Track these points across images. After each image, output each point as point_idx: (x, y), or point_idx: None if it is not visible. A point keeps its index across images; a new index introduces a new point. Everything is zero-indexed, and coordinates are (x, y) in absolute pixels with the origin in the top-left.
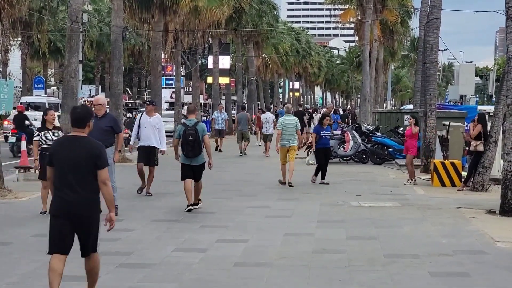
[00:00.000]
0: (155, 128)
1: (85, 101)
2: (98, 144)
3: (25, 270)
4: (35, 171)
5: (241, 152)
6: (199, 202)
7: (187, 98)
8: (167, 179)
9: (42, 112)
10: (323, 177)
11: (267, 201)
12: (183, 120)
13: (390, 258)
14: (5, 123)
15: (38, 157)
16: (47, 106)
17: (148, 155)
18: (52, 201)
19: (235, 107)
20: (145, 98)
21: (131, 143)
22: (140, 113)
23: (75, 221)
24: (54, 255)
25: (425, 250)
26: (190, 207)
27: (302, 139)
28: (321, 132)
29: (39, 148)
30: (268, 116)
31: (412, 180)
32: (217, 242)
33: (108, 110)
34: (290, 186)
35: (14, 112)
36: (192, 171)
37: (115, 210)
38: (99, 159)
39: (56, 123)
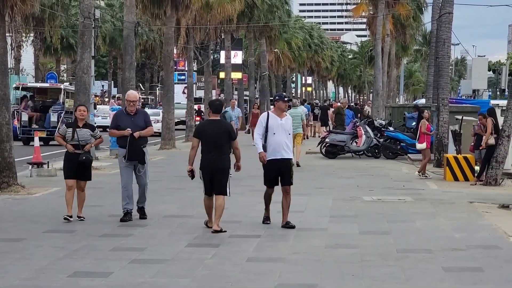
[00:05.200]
0: (287, 133)
1: (97, 96)
2: (229, 124)
3: (38, 266)
4: (73, 149)
5: None
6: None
7: (200, 93)
8: (179, 174)
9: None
10: None
11: (279, 196)
12: None
13: (403, 253)
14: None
15: (65, 142)
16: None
17: (280, 172)
18: (201, 161)
19: (248, 102)
20: (157, 93)
21: (260, 150)
22: (266, 113)
23: (215, 173)
24: (206, 195)
25: (438, 245)
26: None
27: (307, 128)
28: None
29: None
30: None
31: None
32: (229, 238)
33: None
34: (298, 166)
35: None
36: None
37: (144, 211)
38: (232, 134)
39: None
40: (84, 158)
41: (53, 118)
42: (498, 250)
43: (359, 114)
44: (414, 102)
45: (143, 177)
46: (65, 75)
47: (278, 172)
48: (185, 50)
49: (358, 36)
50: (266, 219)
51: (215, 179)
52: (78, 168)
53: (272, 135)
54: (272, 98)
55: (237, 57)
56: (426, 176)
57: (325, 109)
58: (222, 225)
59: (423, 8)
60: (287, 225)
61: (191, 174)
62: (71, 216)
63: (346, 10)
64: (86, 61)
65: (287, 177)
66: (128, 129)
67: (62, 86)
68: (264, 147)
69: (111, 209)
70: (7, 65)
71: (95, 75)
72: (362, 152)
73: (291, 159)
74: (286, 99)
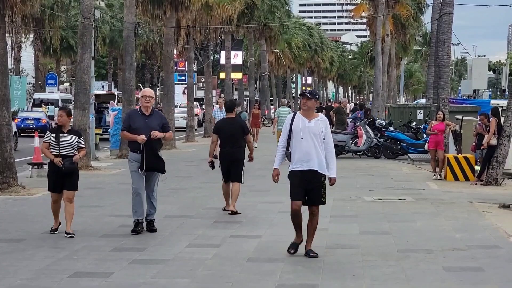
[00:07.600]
0: (318, 139)
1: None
2: (242, 121)
3: (38, 267)
4: (60, 164)
5: None
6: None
7: (200, 94)
8: (180, 175)
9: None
10: None
11: (280, 196)
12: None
13: (404, 253)
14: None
15: (53, 156)
16: (60, 103)
17: (308, 188)
18: (220, 153)
19: (248, 102)
20: (158, 94)
21: (275, 165)
22: (292, 114)
23: (231, 164)
24: (224, 183)
25: (439, 245)
26: None
27: None
28: None
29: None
30: None
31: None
32: (230, 238)
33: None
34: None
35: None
36: None
37: (154, 224)
38: (245, 129)
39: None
40: (64, 167)
41: (108, 118)
42: (499, 250)
43: (358, 114)
44: (414, 102)
45: (155, 184)
46: (65, 75)
47: (305, 186)
48: (185, 50)
49: (358, 36)
50: (292, 246)
51: (231, 169)
52: (63, 179)
53: (299, 141)
54: (272, 98)
55: (237, 57)
56: (441, 177)
57: (329, 109)
58: (223, 226)
59: (423, 8)
60: (309, 254)
61: (211, 164)
62: (57, 229)
63: (346, 11)
64: (86, 62)
65: (315, 195)
66: (142, 136)
67: (115, 93)
68: (288, 155)
69: (111, 209)
70: (7, 65)
71: (95, 76)
72: (362, 152)
73: (323, 174)
74: (308, 94)
